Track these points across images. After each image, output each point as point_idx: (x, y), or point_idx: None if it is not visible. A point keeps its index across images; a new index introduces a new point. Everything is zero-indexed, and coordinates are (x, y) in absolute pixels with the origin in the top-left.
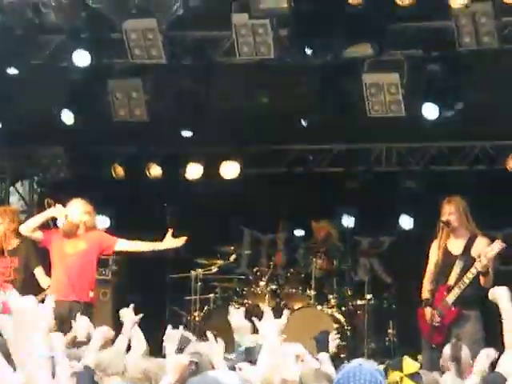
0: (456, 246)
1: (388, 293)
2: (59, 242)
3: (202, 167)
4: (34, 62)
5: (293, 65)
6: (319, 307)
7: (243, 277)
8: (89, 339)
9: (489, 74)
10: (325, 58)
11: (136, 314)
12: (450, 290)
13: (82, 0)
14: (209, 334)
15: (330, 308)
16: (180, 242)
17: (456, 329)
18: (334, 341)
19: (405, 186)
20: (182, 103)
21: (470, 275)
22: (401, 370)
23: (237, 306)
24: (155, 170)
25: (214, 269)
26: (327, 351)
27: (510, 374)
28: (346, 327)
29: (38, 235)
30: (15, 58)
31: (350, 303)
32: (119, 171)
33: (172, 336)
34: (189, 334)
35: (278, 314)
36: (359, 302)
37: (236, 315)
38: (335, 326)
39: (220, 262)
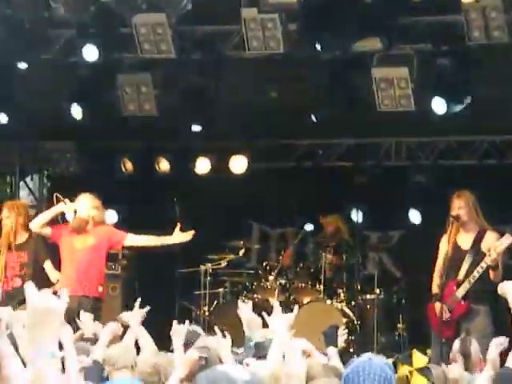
0: (465, 240)
1: (397, 287)
2: (68, 238)
3: (211, 162)
4: (43, 57)
5: (302, 59)
6: (328, 301)
7: (252, 271)
8: (95, 335)
9: (498, 68)
10: (334, 52)
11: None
12: (459, 284)
13: None
14: (216, 328)
15: (340, 302)
16: (188, 236)
17: (465, 323)
18: (342, 335)
19: (414, 180)
20: (191, 98)
21: (479, 269)
22: (410, 364)
23: (245, 300)
24: (164, 165)
25: (224, 263)
26: (336, 346)
27: None
28: (355, 321)
29: (48, 231)
30: (25, 52)
31: (360, 297)
32: (129, 166)
33: (179, 330)
34: (197, 328)
35: (287, 308)
36: (368, 297)
37: (245, 309)
38: (344, 320)
39: (229, 256)
